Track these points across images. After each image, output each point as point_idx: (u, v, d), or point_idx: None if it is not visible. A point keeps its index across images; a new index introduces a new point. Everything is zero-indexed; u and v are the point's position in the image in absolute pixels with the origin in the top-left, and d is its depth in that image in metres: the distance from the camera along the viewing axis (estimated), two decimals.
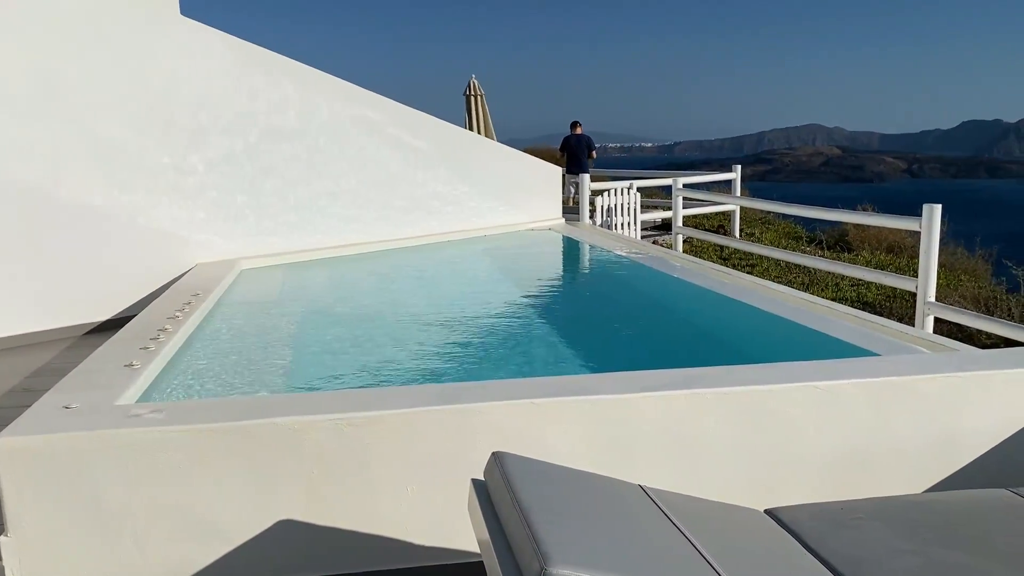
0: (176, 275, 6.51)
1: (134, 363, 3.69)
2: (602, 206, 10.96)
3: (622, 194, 11.14)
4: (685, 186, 10.86)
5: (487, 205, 9.03)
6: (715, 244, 11.31)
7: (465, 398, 2.96)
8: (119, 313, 6.15)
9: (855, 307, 8.60)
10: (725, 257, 11.11)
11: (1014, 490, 2.70)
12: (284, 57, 7.38)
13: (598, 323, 5.45)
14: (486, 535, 2.02)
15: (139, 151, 6.31)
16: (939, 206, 5.86)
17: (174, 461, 2.72)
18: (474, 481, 2.31)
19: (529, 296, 6.41)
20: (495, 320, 5.49)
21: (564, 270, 8.27)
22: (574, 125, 14.91)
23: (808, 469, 3.16)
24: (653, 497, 2.38)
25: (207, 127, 6.83)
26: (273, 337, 4.99)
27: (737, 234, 12.83)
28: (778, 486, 3.13)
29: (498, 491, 2.17)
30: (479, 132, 15.93)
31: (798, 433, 3.14)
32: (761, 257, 10.71)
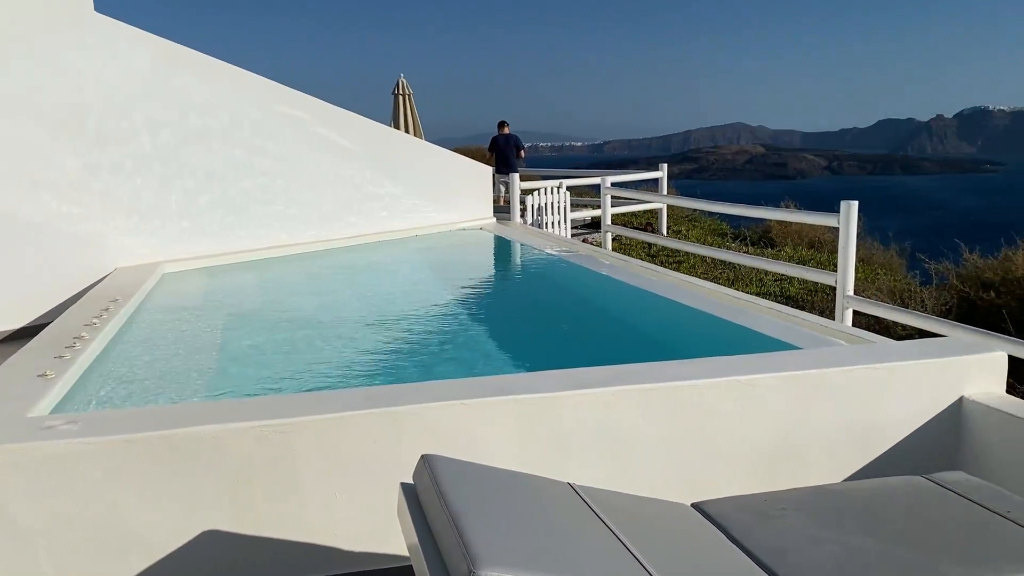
0: (93, 280, 6.27)
1: (48, 373, 3.54)
2: (532, 205, 11.01)
3: (552, 193, 11.21)
4: (613, 185, 10.98)
5: (418, 205, 8.97)
6: (643, 242, 11.48)
7: (394, 400, 2.93)
8: (32, 321, 5.89)
9: (778, 301, 8.84)
10: (653, 254, 11.29)
11: (928, 476, 2.81)
12: (206, 55, 7.19)
13: (529, 322, 5.48)
14: (415, 539, 2.00)
15: (50, 152, 6.06)
16: (856, 203, 6.06)
17: (91, 474, 2.62)
18: (403, 485, 2.29)
19: (460, 296, 6.39)
20: (426, 321, 5.46)
21: (495, 269, 8.28)
22: (501, 125, 14.94)
23: (735, 462, 3.23)
24: (582, 495, 2.40)
25: (124, 127, 6.61)
26: (196, 343, 4.86)
27: (665, 231, 13.06)
28: (706, 479, 3.19)
29: (427, 494, 2.15)
30: (408, 131, 15.83)
31: (724, 426, 3.21)
32: (687, 254, 10.92)
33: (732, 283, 9.45)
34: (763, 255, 11.30)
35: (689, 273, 9.88)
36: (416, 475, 2.28)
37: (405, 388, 3.07)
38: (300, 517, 2.83)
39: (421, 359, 4.51)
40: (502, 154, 14.62)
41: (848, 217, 6.06)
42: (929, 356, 3.48)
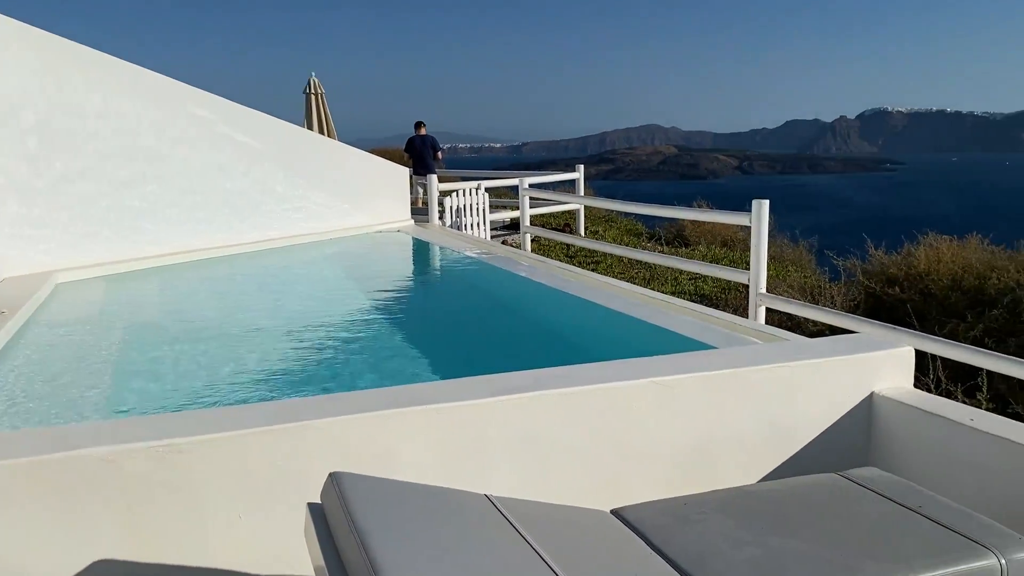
0: None
1: None
2: (451, 207, 10.90)
3: (470, 195, 11.12)
4: (532, 186, 10.97)
5: (332, 207, 8.75)
6: (562, 243, 11.50)
7: (302, 415, 2.79)
8: None
9: (693, 300, 8.97)
10: (572, 255, 11.33)
11: (843, 474, 2.83)
12: (100, 52, 6.82)
13: (446, 326, 5.37)
14: (322, 562, 1.90)
15: None
16: (767, 202, 6.17)
17: None
18: (310, 505, 2.17)
19: (375, 301, 6.23)
20: (339, 329, 5.29)
21: (413, 273, 8.13)
22: (418, 126, 14.76)
23: (654, 465, 3.20)
24: (499, 507, 2.32)
25: (11, 128, 6.21)
26: (90, 358, 4.58)
27: (582, 232, 13.13)
28: (627, 483, 3.15)
29: (335, 514, 2.05)
30: (321, 132, 15.50)
31: (642, 429, 3.17)
32: (605, 254, 10.99)
33: (648, 282, 9.56)
34: (678, 254, 11.48)
35: (606, 273, 9.94)
36: (324, 494, 2.17)
37: (313, 401, 2.93)
38: (202, 541, 2.66)
39: (332, 370, 4.36)
40: (419, 155, 14.44)
41: (760, 216, 6.16)
42: (841, 353, 3.53)
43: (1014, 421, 3.14)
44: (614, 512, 2.59)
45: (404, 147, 14.91)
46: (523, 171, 14.91)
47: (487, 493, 2.51)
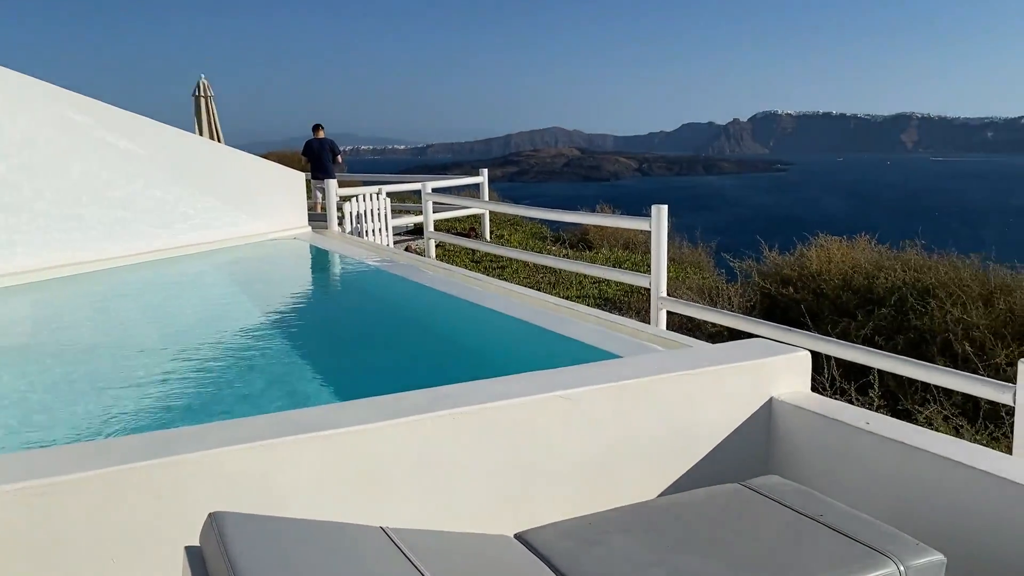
0: None
1: None
2: (350, 212, 10.63)
3: (371, 199, 10.88)
4: (435, 190, 10.82)
5: (222, 215, 8.37)
6: (467, 248, 11.39)
7: (181, 447, 2.58)
8: None
9: (597, 303, 9.01)
10: (477, 260, 11.23)
11: (745, 483, 2.82)
12: None
13: (341, 342, 5.17)
14: None
15: None
16: (665, 207, 6.22)
17: None
18: (187, 549, 2.00)
19: (265, 316, 5.96)
20: (226, 348, 5.01)
21: (307, 283, 7.85)
22: (316, 128, 14.36)
23: (561, 482, 3.12)
24: (395, 540, 2.19)
25: None
26: None
27: (488, 236, 13.06)
28: (533, 504, 3.06)
29: (214, 559, 1.89)
30: (211, 135, 14.91)
31: (547, 446, 3.09)
32: (511, 259, 10.93)
33: (554, 286, 9.56)
34: (581, 257, 11.54)
35: (512, 277, 9.88)
36: (203, 536, 2.00)
37: (192, 432, 2.72)
38: None
39: (216, 395, 4.10)
40: (317, 159, 14.06)
41: (659, 221, 6.21)
42: (740, 359, 3.53)
43: (908, 424, 3.20)
44: (518, 536, 2.49)
45: (302, 150, 14.50)
46: (426, 175, 14.74)
47: (383, 525, 2.38)
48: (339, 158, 14.35)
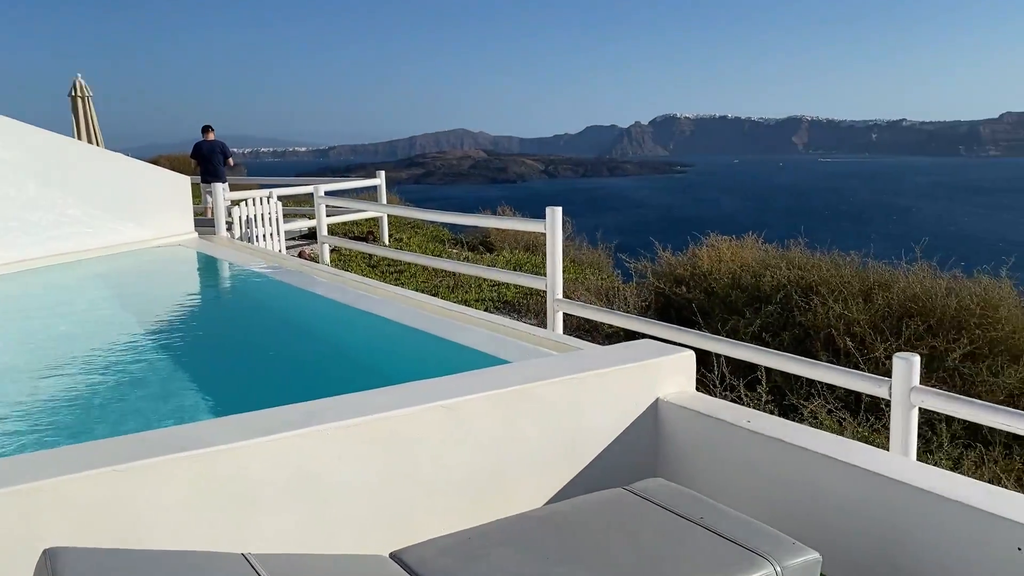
0: None
1: None
2: (239, 217, 10.27)
3: (262, 203, 10.53)
4: (328, 194, 10.56)
5: (101, 222, 7.93)
6: (363, 252, 11.15)
7: (26, 474, 2.37)
8: None
9: (496, 306, 8.97)
10: (373, 264, 11.02)
11: (628, 488, 2.80)
12: None
13: (219, 354, 4.93)
14: None
15: None
16: (559, 209, 6.21)
17: None
18: None
19: (142, 327, 5.64)
20: (93, 363, 4.70)
21: (187, 292, 7.49)
22: (206, 130, 13.83)
23: (445, 495, 3.03)
24: (257, 567, 2.06)
25: None
26: None
27: (386, 240, 12.85)
28: (416, 519, 2.96)
29: None
30: (89, 138, 14.17)
31: (431, 458, 3.00)
32: (408, 263, 10.78)
33: (453, 290, 9.46)
34: (482, 260, 11.48)
35: (410, 282, 9.74)
36: (36, 575, 1.84)
37: (40, 457, 2.51)
38: None
39: (78, 417, 3.83)
40: (207, 162, 13.54)
41: (553, 223, 6.19)
42: (626, 361, 3.53)
43: (788, 422, 3.26)
44: (393, 556, 2.40)
45: (191, 153, 13.94)
46: (328, 177, 14.41)
47: (253, 550, 2.24)
48: (231, 160, 13.86)
